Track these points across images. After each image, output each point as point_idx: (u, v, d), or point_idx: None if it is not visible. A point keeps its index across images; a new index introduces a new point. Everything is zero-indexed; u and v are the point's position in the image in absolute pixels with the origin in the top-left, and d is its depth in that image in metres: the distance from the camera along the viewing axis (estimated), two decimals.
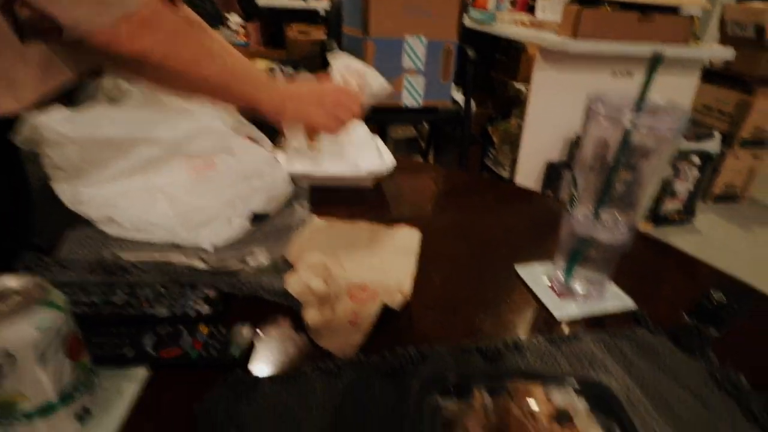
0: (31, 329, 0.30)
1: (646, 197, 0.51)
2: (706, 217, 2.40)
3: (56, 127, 0.51)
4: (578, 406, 0.33)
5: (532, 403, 0.32)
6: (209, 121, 0.58)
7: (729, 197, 2.60)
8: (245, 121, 0.71)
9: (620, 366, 0.44)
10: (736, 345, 0.49)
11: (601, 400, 0.34)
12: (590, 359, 0.45)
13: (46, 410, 0.32)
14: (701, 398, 0.42)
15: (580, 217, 0.52)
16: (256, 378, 0.40)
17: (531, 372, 0.36)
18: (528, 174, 2.01)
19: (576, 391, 0.34)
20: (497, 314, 0.52)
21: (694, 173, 2.20)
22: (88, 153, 0.54)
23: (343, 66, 0.82)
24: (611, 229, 0.52)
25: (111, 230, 0.57)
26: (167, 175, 0.58)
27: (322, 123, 0.72)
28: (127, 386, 0.40)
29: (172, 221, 0.57)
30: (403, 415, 0.32)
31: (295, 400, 0.39)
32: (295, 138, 0.75)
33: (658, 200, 2.21)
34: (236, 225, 0.59)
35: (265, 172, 0.64)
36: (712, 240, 2.25)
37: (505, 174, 2.30)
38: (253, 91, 0.60)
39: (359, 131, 0.84)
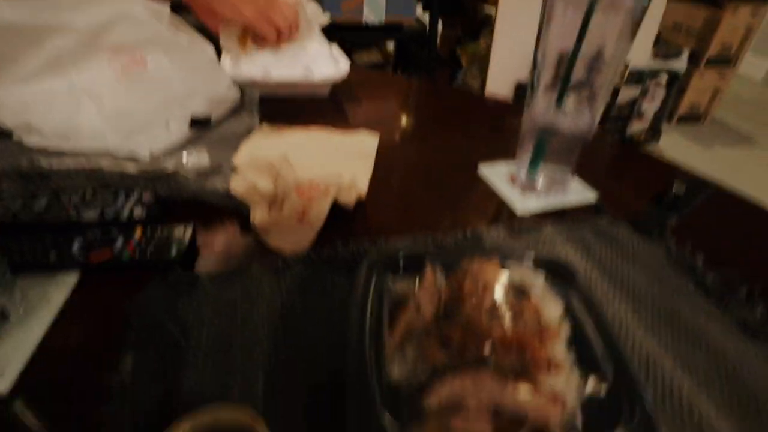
0: None
1: (608, 85, 0.48)
2: (670, 138, 2.43)
3: None
4: (535, 281, 0.32)
5: (487, 278, 0.30)
6: (128, 7, 0.51)
7: (693, 117, 2.63)
8: (182, 23, 0.64)
9: (580, 251, 0.43)
10: (693, 231, 0.48)
11: (558, 275, 0.33)
12: (550, 245, 0.44)
13: None
14: (658, 277, 0.41)
15: (542, 107, 0.49)
16: (196, 276, 0.38)
17: (486, 249, 0.35)
18: (497, 94, 1.96)
19: (533, 267, 0.33)
20: (457, 211, 0.50)
21: (661, 93, 2.20)
22: None
23: None
24: (573, 117, 0.49)
25: (32, 140, 0.51)
26: (90, 74, 0.51)
27: (254, 20, 0.68)
28: (54, 291, 0.36)
29: (101, 127, 0.51)
30: (351, 299, 0.30)
31: (240, 297, 0.36)
32: (228, 40, 0.69)
33: (626, 121, 2.21)
34: (174, 130, 0.54)
35: (204, 71, 0.58)
36: (675, 159, 2.29)
37: None
38: None
39: (312, 36, 0.77)
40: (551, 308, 0.30)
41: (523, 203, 0.51)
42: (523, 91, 1.90)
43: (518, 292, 0.30)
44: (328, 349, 0.32)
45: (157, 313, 0.34)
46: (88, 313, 0.35)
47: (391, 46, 2.35)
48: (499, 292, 0.29)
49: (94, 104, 0.52)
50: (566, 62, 0.45)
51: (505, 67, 1.89)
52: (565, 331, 0.28)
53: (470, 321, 0.27)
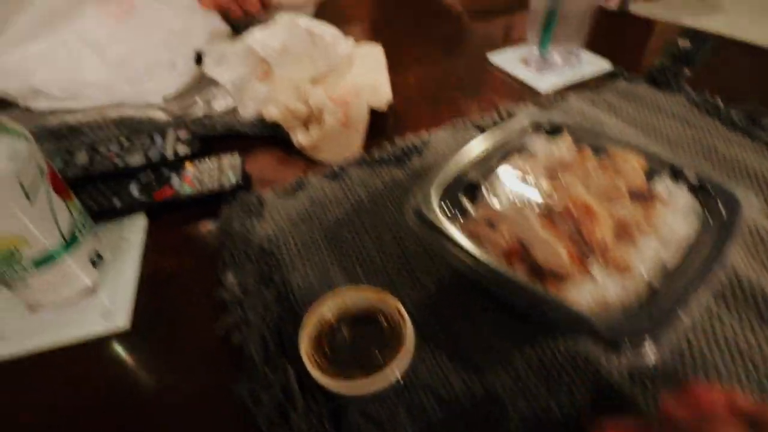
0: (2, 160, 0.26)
1: None
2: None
3: None
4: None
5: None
6: None
7: None
8: None
9: (608, 113, 0.45)
10: (707, 78, 0.50)
11: None
12: (581, 114, 0.46)
13: (51, 256, 0.30)
14: (685, 121, 0.44)
15: None
16: (260, 196, 0.39)
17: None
18: None
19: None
20: (481, 97, 0.51)
21: None
22: None
23: None
24: None
25: (39, 104, 0.50)
26: (84, 25, 0.49)
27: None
28: (129, 234, 0.37)
29: (109, 77, 0.50)
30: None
31: (308, 206, 0.38)
32: None
33: None
34: (182, 69, 0.52)
35: (195, 7, 0.56)
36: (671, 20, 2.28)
37: None
38: None
39: None
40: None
41: (543, 81, 0.52)
42: None
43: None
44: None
45: (241, 232, 0.35)
46: (170, 246, 0.37)
47: None
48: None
49: (95, 54, 0.50)
50: None
51: None
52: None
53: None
